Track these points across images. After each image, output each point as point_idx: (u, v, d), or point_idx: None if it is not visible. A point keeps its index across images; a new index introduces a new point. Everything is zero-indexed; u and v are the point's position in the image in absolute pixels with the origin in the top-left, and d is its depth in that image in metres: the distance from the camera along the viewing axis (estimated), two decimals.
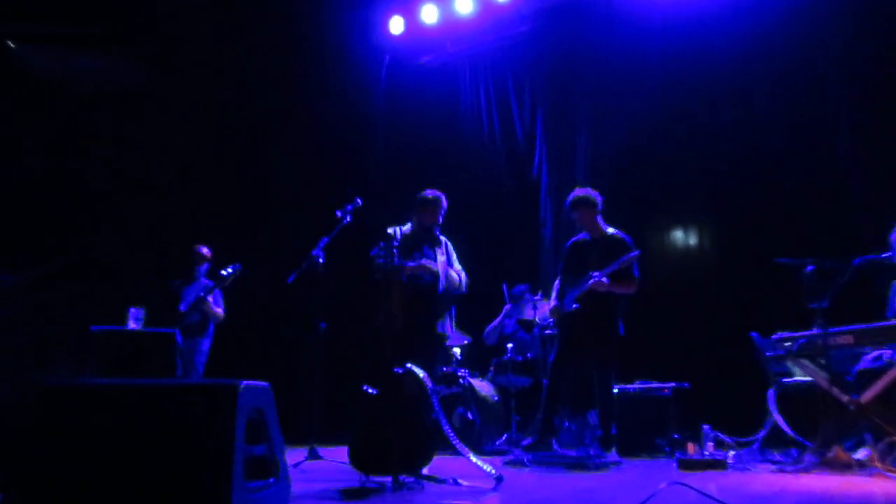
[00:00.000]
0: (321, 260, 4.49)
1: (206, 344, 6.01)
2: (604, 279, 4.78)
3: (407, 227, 4.80)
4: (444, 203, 4.84)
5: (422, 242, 4.79)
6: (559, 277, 5.25)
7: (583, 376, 5.12)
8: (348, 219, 4.66)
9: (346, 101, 7.95)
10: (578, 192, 5.10)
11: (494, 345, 6.57)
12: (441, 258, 4.84)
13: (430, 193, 4.84)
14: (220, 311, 6.04)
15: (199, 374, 5.85)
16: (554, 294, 5.22)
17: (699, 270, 6.70)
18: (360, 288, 4.80)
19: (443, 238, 4.93)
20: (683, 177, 6.74)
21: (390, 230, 4.75)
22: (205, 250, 6.22)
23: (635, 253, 4.86)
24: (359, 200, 4.75)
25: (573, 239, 5.25)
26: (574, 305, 4.95)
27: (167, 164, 7.68)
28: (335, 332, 4.85)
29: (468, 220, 7.47)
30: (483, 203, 7.65)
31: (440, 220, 4.84)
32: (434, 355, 4.79)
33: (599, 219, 5.07)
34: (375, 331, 4.49)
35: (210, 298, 5.88)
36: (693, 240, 6.94)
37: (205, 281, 6.03)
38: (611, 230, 5.07)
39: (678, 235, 7.00)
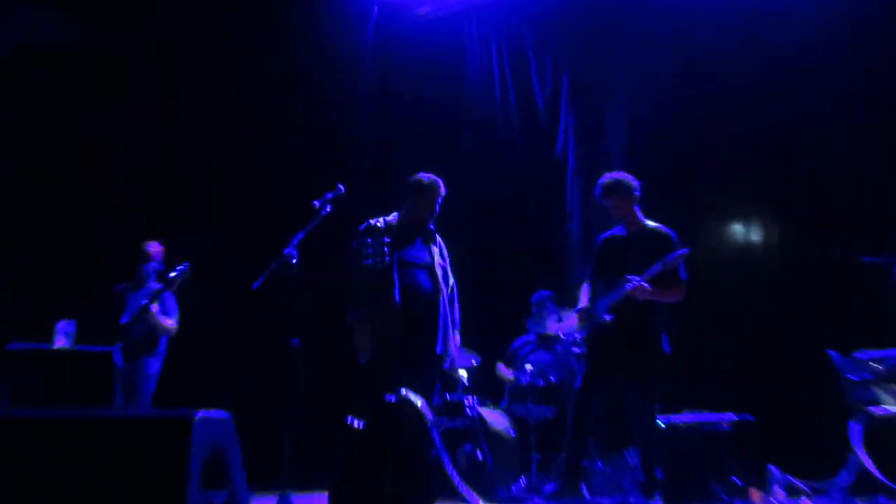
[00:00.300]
0: (295, 260, 4.44)
1: (153, 365, 5.93)
2: (644, 284, 4.75)
3: (393, 217, 4.76)
4: (443, 190, 4.81)
5: (413, 237, 4.74)
6: (588, 281, 5.25)
7: (619, 406, 5.09)
8: (328, 209, 4.61)
9: (322, 63, 7.90)
10: (610, 175, 5.12)
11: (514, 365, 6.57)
12: (438, 259, 4.80)
13: (425, 177, 4.82)
14: (170, 322, 5.95)
15: (146, 403, 5.79)
16: (582, 298, 5.21)
17: (763, 273, 6.68)
18: (344, 295, 4.73)
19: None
20: (743, 159, 6.74)
21: (375, 222, 4.71)
22: (154, 247, 6.13)
23: (683, 251, 4.83)
24: (341, 187, 4.70)
25: (606, 234, 5.24)
26: (607, 316, 4.92)
27: (105, 142, 7.63)
28: (313, 351, 4.78)
29: (475, 212, 7.52)
30: (494, 190, 7.62)
31: (437, 210, 4.79)
32: (433, 379, 4.76)
33: (637, 209, 5.07)
34: (359, 349, 4.46)
35: (155, 307, 5.80)
36: (755, 235, 6.92)
37: (154, 285, 5.96)
38: (651, 223, 5.06)
39: (736, 231, 7.00)
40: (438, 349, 4.70)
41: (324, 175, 5.92)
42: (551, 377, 6.17)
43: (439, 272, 4.79)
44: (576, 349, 5.82)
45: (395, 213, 4.83)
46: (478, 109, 7.95)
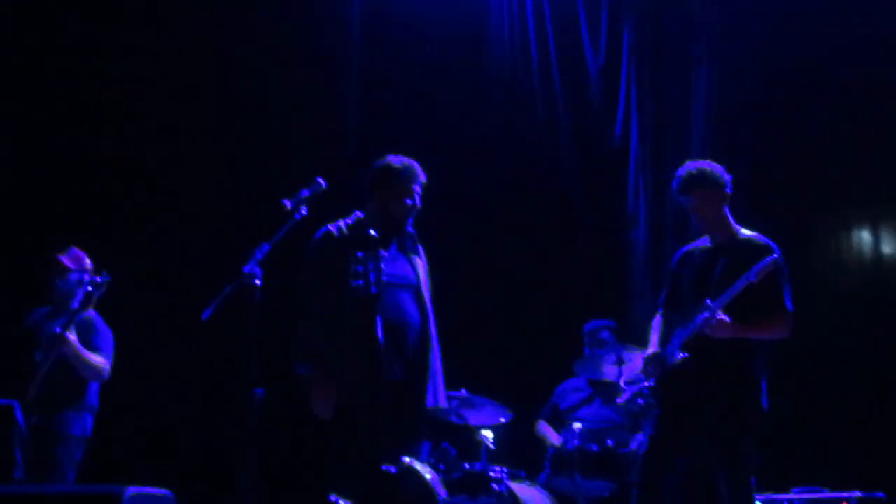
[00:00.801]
0: (258, 282, 4.46)
1: (76, 424, 5.88)
2: (723, 316, 4.72)
3: (351, 219, 4.82)
4: (422, 176, 4.85)
5: (387, 245, 4.77)
6: (660, 311, 5.23)
7: (700, 478, 5.07)
8: (304, 212, 4.64)
9: (297, 27, 7.99)
10: (693, 164, 5.09)
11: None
12: (423, 276, 4.85)
13: (395, 161, 4.85)
14: (98, 361, 5.92)
15: (65, 477, 5.80)
16: (653, 338, 5.17)
17: None
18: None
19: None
20: (871, 146, 6.78)
21: (333, 229, 4.76)
22: (72, 256, 6.05)
23: (773, 257, 4.76)
24: (321, 182, 4.75)
25: (686, 248, 5.24)
26: (680, 355, 4.90)
27: (13, 132, 7.71)
28: (282, 403, 4.83)
29: (501, 219, 7.56)
30: (528, 189, 7.68)
31: (418, 205, 4.84)
32: (416, 431, 4.80)
33: (728, 212, 5.05)
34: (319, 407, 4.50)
35: (72, 336, 5.76)
36: (888, 247, 6.90)
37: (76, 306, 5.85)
38: (746, 232, 5.04)
39: (861, 240, 6.98)
40: (429, 401, 4.75)
41: (299, 169, 5.99)
42: (608, 440, 6.14)
43: (426, 294, 4.83)
44: (641, 401, 5.86)
45: (355, 214, 4.87)
46: (503, 82, 7.99)
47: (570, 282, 7.44)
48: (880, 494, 5.50)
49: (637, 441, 6.02)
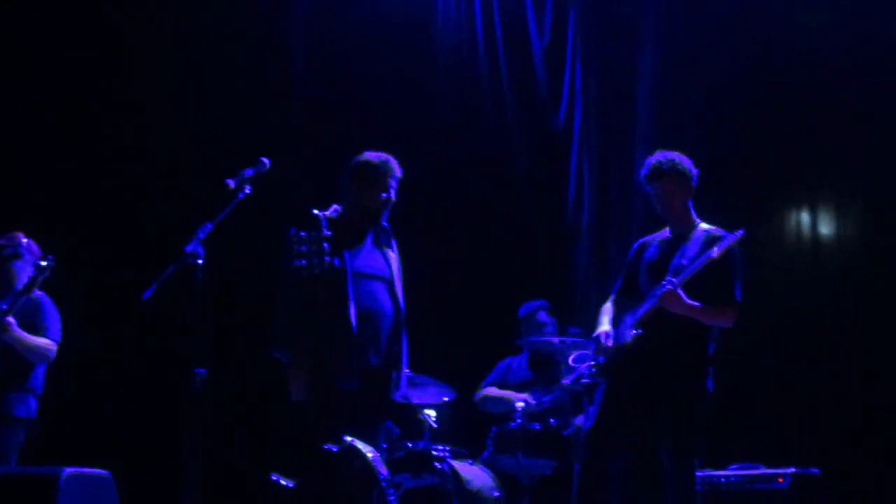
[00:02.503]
0: (200, 261, 4.45)
1: (20, 406, 5.84)
2: (680, 292, 4.75)
3: (332, 211, 4.83)
4: (398, 171, 4.90)
5: (362, 237, 4.82)
6: (612, 297, 5.29)
7: (644, 458, 5.06)
8: (248, 191, 4.63)
9: (243, 10, 7.95)
10: (665, 154, 5.12)
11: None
12: (396, 268, 4.89)
13: (373, 157, 4.90)
14: (44, 343, 5.88)
15: (7, 459, 5.76)
16: (603, 318, 5.21)
17: (836, 279, 6.80)
18: (268, 306, 4.80)
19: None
20: (815, 130, 6.88)
21: (319, 214, 4.76)
22: (12, 240, 6.01)
23: (738, 234, 4.79)
24: (265, 161, 4.75)
25: (644, 238, 5.30)
26: (633, 332, 4.94)
27: None
28: (223, 385, 4.83)
29: (445, 205, 7.59)
30: (470, 172, 7.71)
31: (392, 198, 4.88)
32: (381, 420, 4.83)
33: (691, 205, 5.12)
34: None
35: (12, 320, 5.72)
36: (827, 228, 7.03)
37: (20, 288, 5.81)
38: (706, 226, 5.09)
39: (801, 222, 7.12)
40: (394, 389, 4.79)
41: (242, 147, 5.96)
42: (551, 420, 6.20)
43: (397, 286, 4.88)
44: (587, 380, 5.92)
45: (333, 207, 4.89)
46: (449, 62, 8.01)
47: (513, 263, 7.47)
48: (815, 471, 5.57)
49: (575, 424, 6.08)
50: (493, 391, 6.73)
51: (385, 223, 4.94)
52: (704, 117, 7.09)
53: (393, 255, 4.93)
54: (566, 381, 5.98)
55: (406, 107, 7.79)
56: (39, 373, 5.86)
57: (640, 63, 7.52)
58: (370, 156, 4.92)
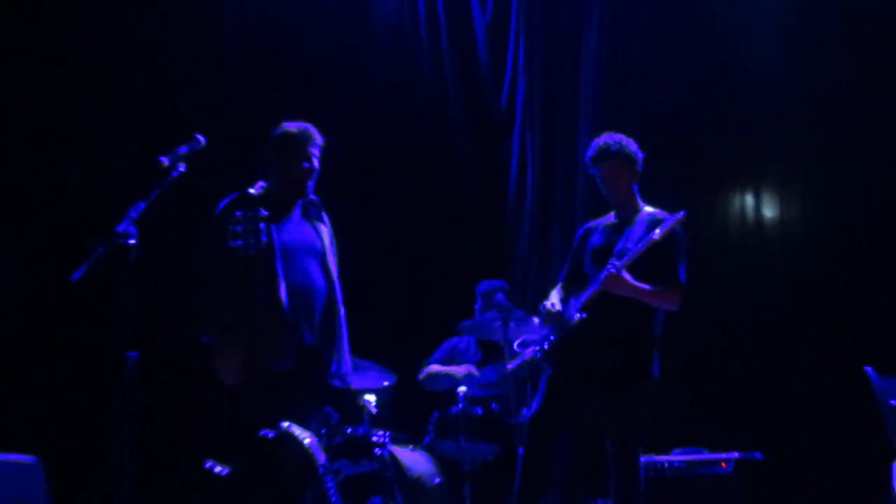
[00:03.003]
0: (132, 241, 4.34)
1: None
2: (624, 274, 4.79)
3: (258, 187, 4.76)
4: (319, 138, 4.83)
5: (289, 209, 4.74)
6: (559, 285, 5.30)
7: (588, 443, 5.14)
8: (182, 169, 4.53)
9: None
10: (611, 136, 5.14)
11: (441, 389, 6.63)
12: (328, 241, 4.83)
13: (291, 126, 4.84)
14: None
15: None
16: (552, 295, 5.21)
17: (780, 262, 6.89)
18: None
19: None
20: (754, 110, 6.98)
21: (253, 191, 4.69)
22: None
23: (679, 215, 4.83)
24: (200, 138, 4.64)
25: (589, 224, 5.33)
26: (578, 315, 4.95)
27: None
28: (156, 369, 4.74)
29: (383, 177, 7.52)
30: (409, 147, 7.71)
31: (316, 167, 4.81)
32: (318, 401, 4.79)
33: (636, 189, 5.15)
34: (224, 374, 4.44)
35: None
36: (770, 211, 7.12)
37: None
38: (650, 209, 5.13)
39: (744, 204, 7.19)
40: (334, 367, 4.73)
41: (176, 123, 5.85)
42: (493, 404, 6.20)
43: (331, 260, 4.81)
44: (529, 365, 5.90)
45: (259, 184, 4.81)
46: (388, 37, 7.97)
47: (454, 244, 7.48)
48: (758, 455, 5.63)
49: (525, 415, 6.06)
50: (437, 368, 6.73)
51: (313, 196, 4.86)
52: (650, 97, 7.13)
53: (325, 229, 4.87)
54: (510, 365, 5.94)
55: (341, 81, 7.74)
56: None
57: (584, 41, 7.54)
58: (289, 126, 4.85)
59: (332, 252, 4.85)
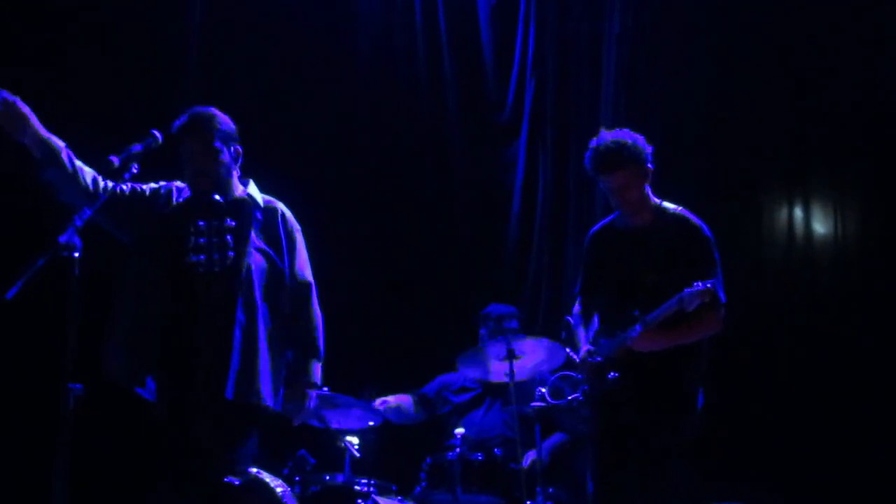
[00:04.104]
0: (77, 254, 4.33)
1: None
2: (649, 334, 4.88)
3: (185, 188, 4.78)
4: (224, 124, 4.76)
5: (196, 214, 4.63)
6: (578, 299, 5.35)
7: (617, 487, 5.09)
8: (135, 170, 4.52)
9: None
10: (610, 136, 5.12)
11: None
12: (257, 239, 4.72)
13: (198, 110, 4.80)
14: None
15: None
16: (580, 335, 5.28)
17: (832, 283, 6.88)
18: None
19: (278, 206, 4.84)
20: (802, 112, 6.97)
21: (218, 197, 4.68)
22: None
23: (710, 283, 4.80)
24: (157, 134, 4.63)
25: (597, 227, 5.36)
26: (611, 375, 5.02)
27: None
28: (104, 401, 4.69)
29: (369, 188, 7.56)
30: (401, 154, 7.73)
31: (229, 161, 4.74)
32: (242, 442, 4.60)
33: (649, 189, 5.15)
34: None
35: None
36: (822, 226, 7.10)
37: None
38: (669, 207, 5.15)
39: (792, 218, 7.17)
40: (229, 392, 4.63)
41: (128, 119, 5.82)
42: (496, 449, 6.20)
43: (253, 257, 4.67)
44: (536, 404, 5.88)
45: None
46: (378, 23, 7.96)
47: (451, 265, 7.51)
48: None
49: (529, 458, 6.08)
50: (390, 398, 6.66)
51: (218, 196, 4.76)
52: (678, 93, 7.14)
53: (254, 231, 4.74)
54: (536, 404, 5.94)
55: (325, 73, 7.75)
56: None
57: (604, 28, 7.54)
58: (197, 110, 4.85)
59: (259, 246, 4.79)
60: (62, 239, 4.34)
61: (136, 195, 4.68)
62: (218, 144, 4.70)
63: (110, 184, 4.50)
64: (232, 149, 4.75)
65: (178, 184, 4.81)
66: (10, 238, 5.97)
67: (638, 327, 4.86)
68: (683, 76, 7.17)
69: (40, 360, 4.71)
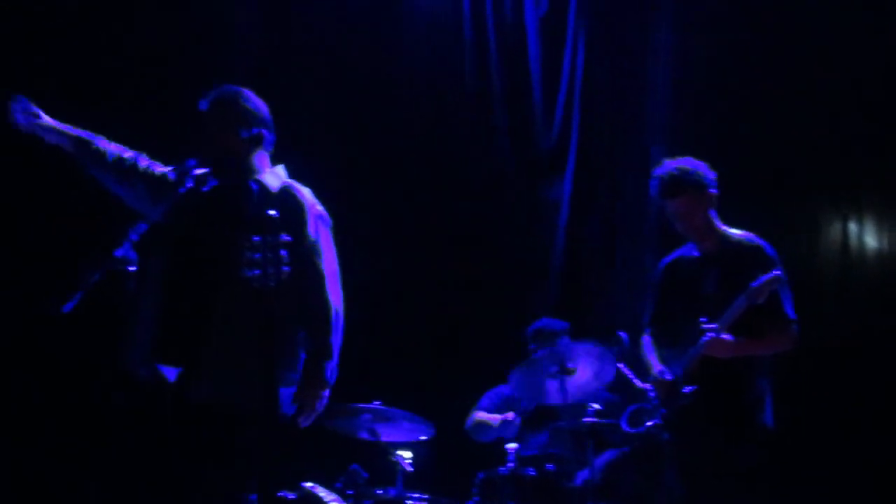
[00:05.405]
0: (133, 268, 4.36)
1: None
2: (723, 336, 4.88)
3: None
4: (252, 103, 4.67)
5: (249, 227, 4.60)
6: (647, 330, 5.39)
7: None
8: (190, 184, 4.54)
9: None
10: (673, 165, 5.20)
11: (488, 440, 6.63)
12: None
13: (226, 87, 4.71)
14: None
15: None
16: (652, 359, 5.29)
17: (888, 300, 6.80)
18: None
19: (303, 196, 4.67)
20: (856, 123, 6.88)
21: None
22: None
23: (774, 273, 4.89)
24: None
25: (669, 258, 5.40)
26: (687, 389, 5.02)
27: None
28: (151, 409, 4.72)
29: (418, 200, 7.57)
30: (448, 167, 7.75)
31: (249, 140, 4.63)
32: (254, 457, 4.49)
33: (714, 214, 5.20)
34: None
35: None
36: (875, 241, 7.04)
37: None
38: (735, 233, 5.20)
39: (846, 232, 7.11)
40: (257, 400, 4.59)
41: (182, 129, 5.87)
42: (548, 464, 6.18)
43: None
44: (590, 419, 5.90)
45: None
46: (427, 33, 7.96)
47: (503, 275, 7.51)
48: None
49: (581, 478, 6.06)
50: (482, 415, 6.70)
51: (260, 177, 4.72)
52: (729, 109, 7.07)
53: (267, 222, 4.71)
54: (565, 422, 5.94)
55: (374, 82, 7.77)
56: None
57: (655, 39, 7.50)
58: (225, 89, 4.76)
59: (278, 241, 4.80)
60: (118, 253, 4.38)
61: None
62: (237, 121, 4.62)
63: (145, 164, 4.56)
64: (255, 130, 4.66)
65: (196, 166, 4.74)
66: (65, 251, 6.01)
67: (710, 333, 4.88)
68: (735, 90, 7.11)
69: (92, 370, 4.74)
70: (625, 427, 5.66)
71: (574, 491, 5.98)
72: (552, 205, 7.76)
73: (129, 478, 4.47)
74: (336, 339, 4.60)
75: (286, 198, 4.64)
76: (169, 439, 4.37)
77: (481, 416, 6.72)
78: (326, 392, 4.59)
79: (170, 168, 4.58)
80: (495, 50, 7.95)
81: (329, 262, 4.62)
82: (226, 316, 4.38)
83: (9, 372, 6.91)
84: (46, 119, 4.54)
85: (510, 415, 6.57)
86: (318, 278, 4.55)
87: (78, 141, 4.51)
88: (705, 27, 7.30)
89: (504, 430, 6.54)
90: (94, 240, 4.64)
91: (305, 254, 4.68)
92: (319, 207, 4.64)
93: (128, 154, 4.51)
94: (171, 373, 4.44)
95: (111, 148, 4.54)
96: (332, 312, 4.58)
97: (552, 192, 7.78)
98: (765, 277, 4.85)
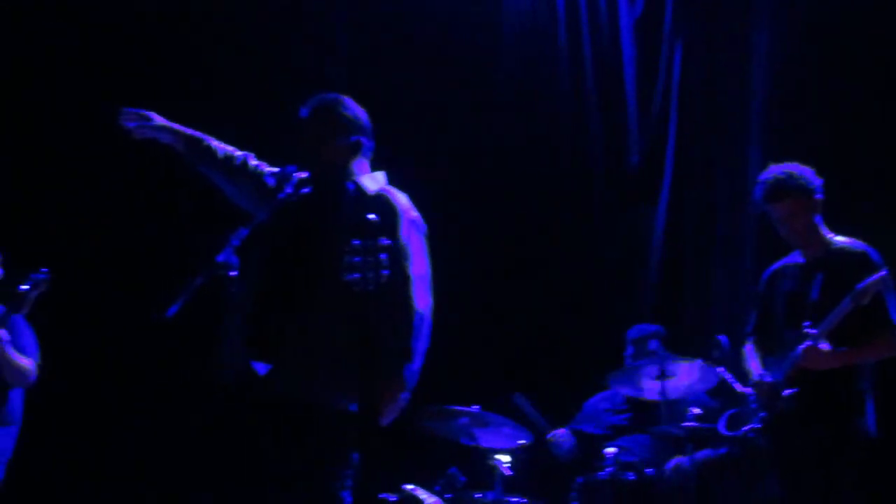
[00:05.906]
0: (234, 273, 4.40)
1: (2, 438, 5.97)
2: (820, 346, 4.86)
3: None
4: (351, 110, 4.66)
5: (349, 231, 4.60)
6: (750, 339, 5.38)
7: None
8: (289, 190, 4.58)
9: None
10: (780, 169, 5.18)
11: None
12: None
13: (325, 95, 4.70)
14: (25, 363, 5.95)
15: None
16: (753, 365, 5.28)
17: None
18: None
19: (398, 200, 4.70)
20: None
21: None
22: None
23: (881, 274, 4.86)
24: None
25: (775, 266, 5.38)
26: (787, 392, 4.99)
27: None
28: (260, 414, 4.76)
29: (518, 206, 7.58)
30: (544, 173, 7.72)
31: (348, 148, 4.61)
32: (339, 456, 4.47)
33: (820, 221, 5.18)
34: None
35: (4, 334, 5.80)
36: None
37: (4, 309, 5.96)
38: (840, 240, 5.17)
39: None
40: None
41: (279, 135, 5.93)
42: (647, 470, 6.16)
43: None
44: (688, 424, 5.88)
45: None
46: (521, 38, 7.96)
47: (602, 280, 7.50)
48: None
49: (669, 467, 6.07)
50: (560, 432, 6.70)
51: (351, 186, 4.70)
52: (832, 110, 6.95)
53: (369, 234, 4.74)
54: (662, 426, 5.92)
55: (467, 88, 7.79)
56: (16, 400, 5.95)
57: (754, 40, 7.36)
58: (327, 96, 4.76)
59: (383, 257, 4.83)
60: (220, 258, 4.42)
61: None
62: (335, 129, 4.63)
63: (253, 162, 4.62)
64: (354, 137, 4.67)
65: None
66: (168, 257, 6.09)
67: (808, 341, 4.86)
68: (837, 96, 7.00)
69: (203, 371, 4.79)
70: (722, 430, 5.66)
71: (671, 495, 5.97)
72: (649, 212, 7.73)
73: (228, 475, 4.54)
74: (419, 343, 4.59)
75: (381, 202, 4.67)
76: (261, 436, 4.42)
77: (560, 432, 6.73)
78: (405, 395, 4.61)
79: (275, 169, 4.67)
80: (590, 52, 7.95)
81: (418, 266, 4.59)
82: (322, 318, 4.42)
83: (117, 374, 7.08)
84: (158, 119, 4.62)
85: (561, 431, 6.58)
86: (403, 281, 4.55)
87: (189, 139, 4.59)
88: (804, 28, 7.20)
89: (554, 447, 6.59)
90: (198, 246, 4.74)
91: (394, 256, 4.74)
92: (414, 213, 4.61)
93: (237, 153, 4.58)
94: (261, 368, 4.50)
95: (221, 146, 4.63)
96: (417, 316, 4.57)
97: (649, 198, 7.74)
98: (872, 278, 4.83)
